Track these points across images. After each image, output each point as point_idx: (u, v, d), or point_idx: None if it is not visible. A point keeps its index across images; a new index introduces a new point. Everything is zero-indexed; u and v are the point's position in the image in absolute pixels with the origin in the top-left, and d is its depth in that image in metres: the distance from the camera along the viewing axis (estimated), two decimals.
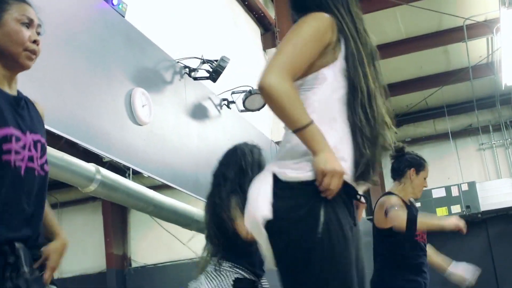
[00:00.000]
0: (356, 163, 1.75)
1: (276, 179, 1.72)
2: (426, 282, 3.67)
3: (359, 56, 1.81)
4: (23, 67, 1.84)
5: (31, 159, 1.75)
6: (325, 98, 1.78)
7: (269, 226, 1.68)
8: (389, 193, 3.76)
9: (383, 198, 3.70)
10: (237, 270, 2.77)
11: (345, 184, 1.72)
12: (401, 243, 3.60)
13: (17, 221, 1.69)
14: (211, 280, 2.75)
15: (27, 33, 1.81)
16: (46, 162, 1.83)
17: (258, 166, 2.86)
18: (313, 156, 1.67)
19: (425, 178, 3.79)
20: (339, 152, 1.72)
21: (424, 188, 3.85)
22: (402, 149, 3.81)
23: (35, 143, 1.78)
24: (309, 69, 1.78)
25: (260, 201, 1.70)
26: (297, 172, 1.71)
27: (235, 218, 2.75)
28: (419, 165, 3.78)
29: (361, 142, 1.75)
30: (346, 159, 1.74)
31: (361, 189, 1.83)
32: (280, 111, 1.67)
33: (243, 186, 2.76)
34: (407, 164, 3.76)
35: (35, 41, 1.82)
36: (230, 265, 2.77)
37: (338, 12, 1.85)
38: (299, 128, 1.66)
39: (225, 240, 2.80)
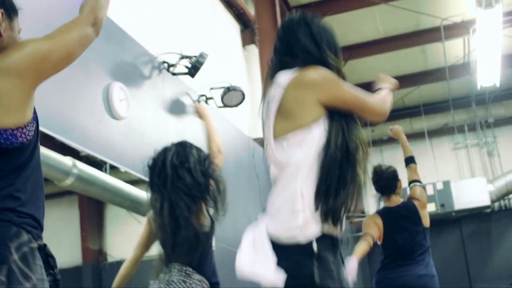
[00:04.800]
0: (327, 211, 1.86)
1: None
2: None
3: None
4: None
5: None
6: (309, 154, 1.86)
7: None
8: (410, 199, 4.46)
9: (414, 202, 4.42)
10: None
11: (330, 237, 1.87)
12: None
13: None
14: None
15: None
16: None
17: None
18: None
19: None
20: (308, 202, 1.84)
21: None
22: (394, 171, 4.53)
23: None
24: (299, 124, 1.89)
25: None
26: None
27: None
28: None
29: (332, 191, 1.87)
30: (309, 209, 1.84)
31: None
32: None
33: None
34: (396, 178, 4.51)
35: None
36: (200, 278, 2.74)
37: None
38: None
39: (184, 247, 2.75)
